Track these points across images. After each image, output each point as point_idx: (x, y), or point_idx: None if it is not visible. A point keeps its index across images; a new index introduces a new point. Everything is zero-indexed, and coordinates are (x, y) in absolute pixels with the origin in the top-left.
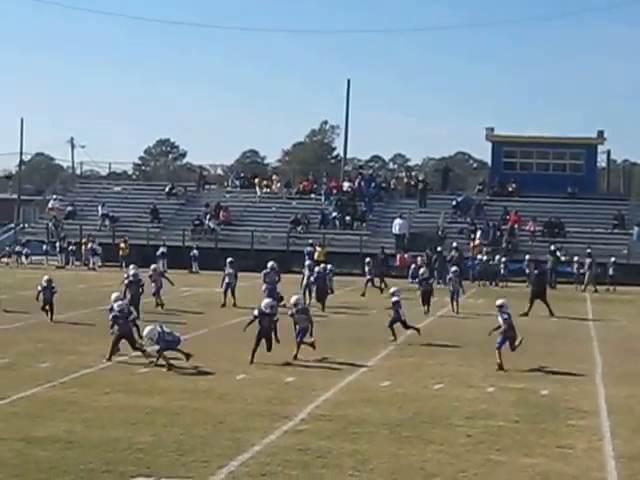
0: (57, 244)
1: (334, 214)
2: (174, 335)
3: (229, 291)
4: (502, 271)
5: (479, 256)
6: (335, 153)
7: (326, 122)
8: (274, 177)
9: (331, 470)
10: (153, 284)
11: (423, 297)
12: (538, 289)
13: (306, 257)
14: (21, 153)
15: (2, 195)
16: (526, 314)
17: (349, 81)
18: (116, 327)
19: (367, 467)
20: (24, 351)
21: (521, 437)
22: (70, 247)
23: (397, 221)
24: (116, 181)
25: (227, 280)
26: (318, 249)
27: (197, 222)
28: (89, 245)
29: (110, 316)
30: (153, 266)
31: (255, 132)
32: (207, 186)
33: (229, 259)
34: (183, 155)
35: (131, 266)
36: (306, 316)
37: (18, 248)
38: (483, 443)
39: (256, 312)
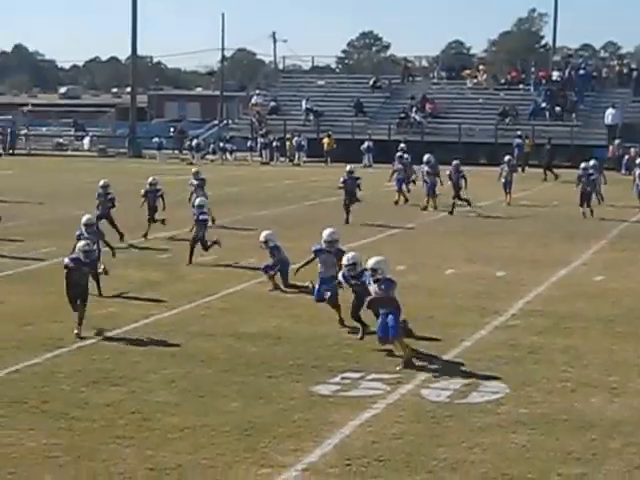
0: (260, 140)
1: (543, 105)
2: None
3: (403, 187)
4: None
5: None
6: (543, 42)
7: (534, 10)
8: (481, 68)
9: (543, 366)
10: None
11: (582, 197)
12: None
13: (515, 150)
14: (223, 49)
15: (205, 92)
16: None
17: None
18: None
19: (580, 363)
20: (231, 247)
21: None
22: (274, 143)
23: (609, 111)
24: (319, 75)
25: (397, 176)
26: (526, 141)
27: (402, 115)
28: (294, 140)
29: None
30: (194, 169)
31: (460, 22)
32: (412, 78)
33: (398, 154)
34: (387, 47)
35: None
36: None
37: (222, 145)
38: None
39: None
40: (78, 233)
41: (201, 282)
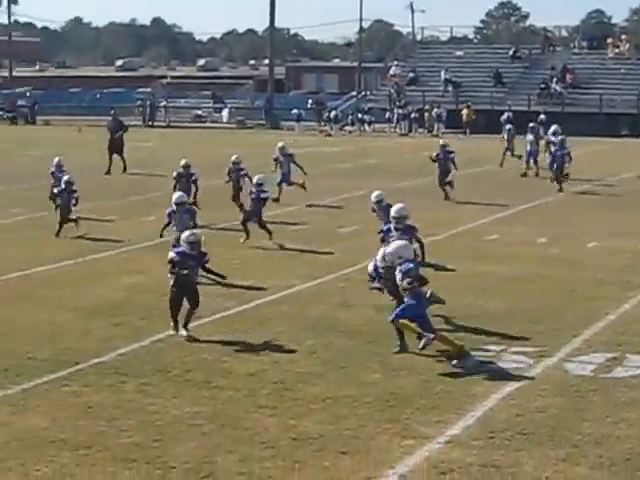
0: (398, 111)
1: None
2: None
3: (531, 159)
4: None
5: None
6: None
7: None
8: (623, 37)
9: None
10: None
11: None
12: None
13: None
14: (361, 20)
15: (343, 63)
16: None
17: None
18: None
19: None
20: (368, 218)
21: None
22: (413, 114)
23: None
24: (457, 45)
25: (528, 148)
26: None
27: (543, 85)
28: (434, 111)
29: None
30: (280, 143)
31: None
32: (552, 48)
33: (530, 124)
34: (525, 17)
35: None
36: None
37: (361, 116)
38: None
39: None
40: (169, 211)
41: (339, 253)
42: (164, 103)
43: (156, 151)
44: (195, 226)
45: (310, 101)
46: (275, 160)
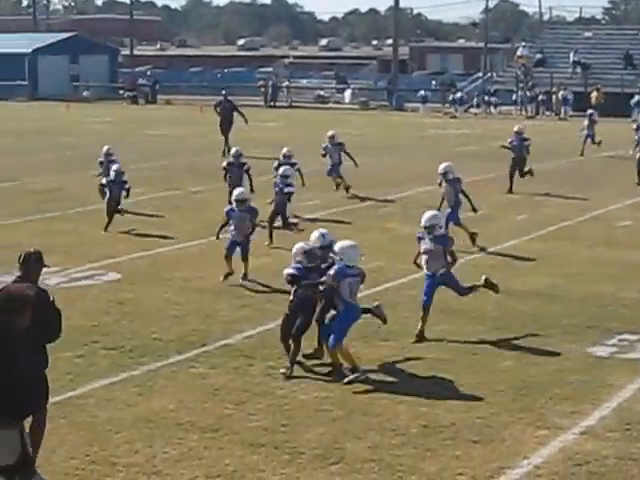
0: (523, 93)
1: None
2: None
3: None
4: None
5: None
6: None
7: None
8: None
9: None
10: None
11: None
12: None
13: None
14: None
15: (468, 43)
16: None
17: None
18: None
19: None
20: (499, 203)
21: None
22: (540, 96)
23: None
24: (585, 26)
25: None
26: None
27: None
28: (560, 93)
29: None
30: (330, 132)
31: None
32: None
33: None
34: None
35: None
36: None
37: (487, 98)
38: None
39: None
40: (227, 209)
41: (466, 238)
42: (286, 83)
43: (278, 132)
44: (254, 227)
45: (434, 82)
46: (324, 150)
